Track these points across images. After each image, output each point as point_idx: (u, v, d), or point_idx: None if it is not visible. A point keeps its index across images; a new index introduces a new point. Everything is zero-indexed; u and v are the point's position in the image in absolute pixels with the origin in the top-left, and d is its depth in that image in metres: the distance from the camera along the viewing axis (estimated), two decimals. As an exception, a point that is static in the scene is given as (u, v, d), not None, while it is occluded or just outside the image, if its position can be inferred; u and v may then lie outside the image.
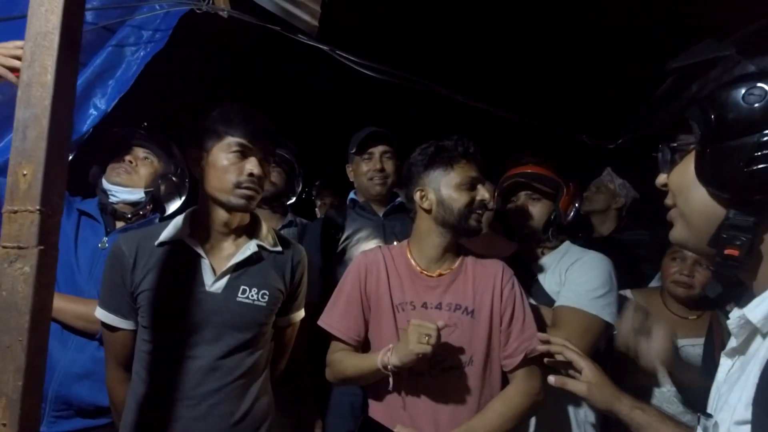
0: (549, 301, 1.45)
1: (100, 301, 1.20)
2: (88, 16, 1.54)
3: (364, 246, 1.73)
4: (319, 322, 1.29)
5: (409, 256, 1.29)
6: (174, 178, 1.66)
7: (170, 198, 1.67)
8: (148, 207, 1.59)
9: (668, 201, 0.68)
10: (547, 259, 1.54)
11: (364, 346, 1.29)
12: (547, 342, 1.12)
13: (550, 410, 1.34)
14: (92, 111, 1.54)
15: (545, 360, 1.01)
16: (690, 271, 1.55)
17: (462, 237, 1.28)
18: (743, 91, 0.55)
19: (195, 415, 1.11)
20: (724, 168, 0.57)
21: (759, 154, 0.54)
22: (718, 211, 0.60)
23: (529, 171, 1.54)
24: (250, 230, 1.27)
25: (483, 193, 1.24)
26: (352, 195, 1.94)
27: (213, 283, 1.17)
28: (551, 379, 0.95)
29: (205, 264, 1.18)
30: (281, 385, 1.44)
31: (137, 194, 1.56)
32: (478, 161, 1.28)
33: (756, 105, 0.54)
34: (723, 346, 1.57)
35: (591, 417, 1.41)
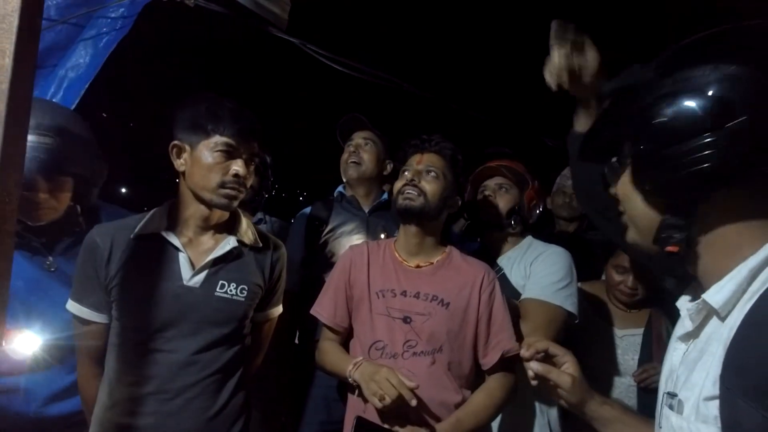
0: (515, 294, 1.50)
1: (73, 293, 1.16)
2: (53, 12, 1.51)
3: (347, 240, 1.73)
4: (311, 311, 1.36)
5: (394, 247, 1.37)
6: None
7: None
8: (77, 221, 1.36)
9: (620, 208, 0.74)
10: (512, 254, 1.59)
11: (350, 332, 1.37)
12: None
13: (517, 404, 1.39)
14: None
15: (522, 354, 0.94)
16: (633, 284, 1.61)
17: (406, 221, 1.32)
18: (660, 108, 0.61)
19: (170, 409, 1.10)
20: (651, 176, 0.64)
21: (675, 163, 0.60)
22: (654, 214, 0.67)
23: (500, 164, 1.62)
24: (230, 226, 1.25)
25: (411, 174, 1.31)
26: (340, 188, 1.93)
27: (191, 278, 1.15)
28: (534, 365, 0.90)
29: (184, 258, 1.16)
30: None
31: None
32: (422, 149, 1.35)
33: (667, 120, 0.61)
34: (660, 336, 1.65)
35: (554, 412, 1.47)
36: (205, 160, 1.12)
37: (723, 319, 0.61)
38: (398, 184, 1.33)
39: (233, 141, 1.13)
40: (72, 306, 1.15)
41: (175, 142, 1.17)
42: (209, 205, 1.16)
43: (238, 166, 1.14)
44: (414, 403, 1.09)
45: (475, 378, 1.30)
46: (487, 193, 1.61)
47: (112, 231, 1.16)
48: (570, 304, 1.41)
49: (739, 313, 0.57)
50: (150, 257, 1.14)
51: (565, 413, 1.50)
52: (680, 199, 0.63)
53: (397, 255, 1.35)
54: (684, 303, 0.68)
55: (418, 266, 1.32)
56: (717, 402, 0.56)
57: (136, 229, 1.15)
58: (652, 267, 0.87)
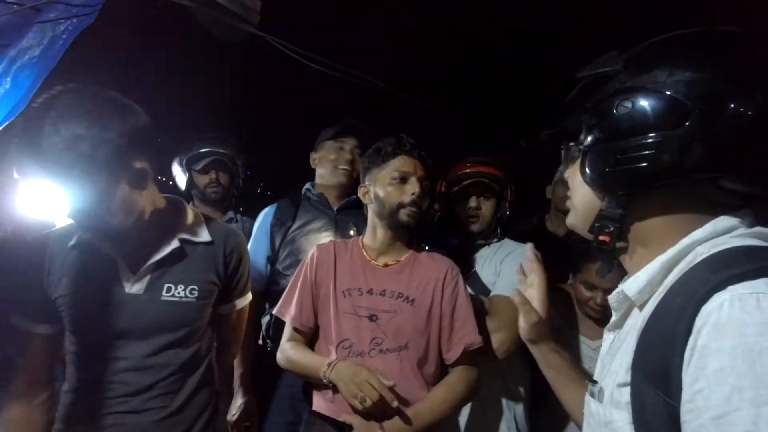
0: (485, 291, 1.52)
1: (14, 305, 1.11)
2: None
3: (315, 237, 1.71)
4: (274, 312, 1.35)
5: (361, 246, 1.36)
6: None
7: None
8: None
9: (568, 193, 0.77)
10: (485, 252, 1.62)
11: (315, 332, 1.35)
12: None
13: (484, 399, 1.43)
14: (15, 90, 1.42)
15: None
16: (603, 301, 1.55)
17: (399, 232, 1.32)
18: (617, 102, 0.62)
19: (127, 409, 1.08)
20: (596, 167, 0.66)
21: (620, 157, 0.62)
22: (595, 203, 0.68)
23: (485, 171, 1.61)
24: (172, 221, 1.17)
25: (413, 186, 1.29)
26: (308, 186, 1.90)
27: (132, 285, 1.10)
28: (514, 294, 1.01)
29: (121, 265, 1.10)
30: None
31: None
32: (415, 156, 1.33)
33: (622, 115, 0.61)
34: None
35: (519, 398, 1.48)
36: None
37: (640, 308, 0.64)
38: (396, 194, 1.28)
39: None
40: (13, 318, 1.11)
41: None
42: None
43: None
44: (395, 404, 1.11)
45: (442, 375, 1.31)
46: (472, 205, 1.59)
47: (50, 240, 1.11)
48: None
49: (652, 304, 0.60)
50: (88, 266, 1.09)
51: (532, 409, 1.51)
52: (617, 193, 0.65)
53: (365, 254, 1.35)
54: (612, 295, 0.71)
55: (386, 265, 1.33)
56: (629, 388, 0.58)
57: (74, 239, 1.09)
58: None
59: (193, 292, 1.14)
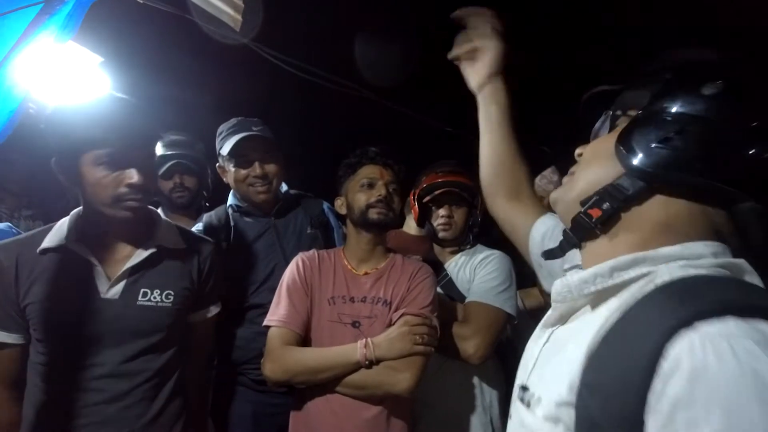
0: (461, 298, 1.57)
1: None
2: None
3: (261, 252, 1.62)
4: (266, 322, 1.30)
5: (342, 255, 1.42)
6: None
7: None
8: None
9: (573, 168, 0.72)
10: (459, 258, 1.66)
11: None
12: None
13: (460, 403, 1.48)
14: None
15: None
16: None
17: (372, 232, 1.37)
18: (705, 82, 0.59)
19: (103, 418, 1.07)
20: (645, 137, 0.60)
21: (675, 136, 0.58)
22: (604, 179, 0.63)
23: (456, 180, 1.65)
24: (148, 229, 1.19)
25: (380, 189, 1.35)
26: (233, 201, 1.71)
27: (108, 290, 1.10)
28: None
29: (98, 270, 1.10)
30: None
31: None
32: (382, 163, 1.40)
33: (705, 95, 0.58)
34: None
35: (495, 403, 1.54)
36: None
37: (592, 308, 0.62)
38: (363, 198, 1.35)
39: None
40: None
41: None
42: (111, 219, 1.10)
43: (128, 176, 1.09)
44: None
45: None
46: (444, 214, 1.64)
47: (15, 248, 1.09)
48: (509, 307, 1.49)
49: (604, 320, 0.55)
50: (61, 272, 1.08)
51: (507, 412, 1.57)
52: (647, 169, 0.59)
53: (346, 263, 1.40)
54: (556, 284, 0.65)
55: (366, 273, 1.38)
56: (571, 410, 0.53)
57: (43, 243, 1.08)
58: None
59: (169, 297, 1.15)
